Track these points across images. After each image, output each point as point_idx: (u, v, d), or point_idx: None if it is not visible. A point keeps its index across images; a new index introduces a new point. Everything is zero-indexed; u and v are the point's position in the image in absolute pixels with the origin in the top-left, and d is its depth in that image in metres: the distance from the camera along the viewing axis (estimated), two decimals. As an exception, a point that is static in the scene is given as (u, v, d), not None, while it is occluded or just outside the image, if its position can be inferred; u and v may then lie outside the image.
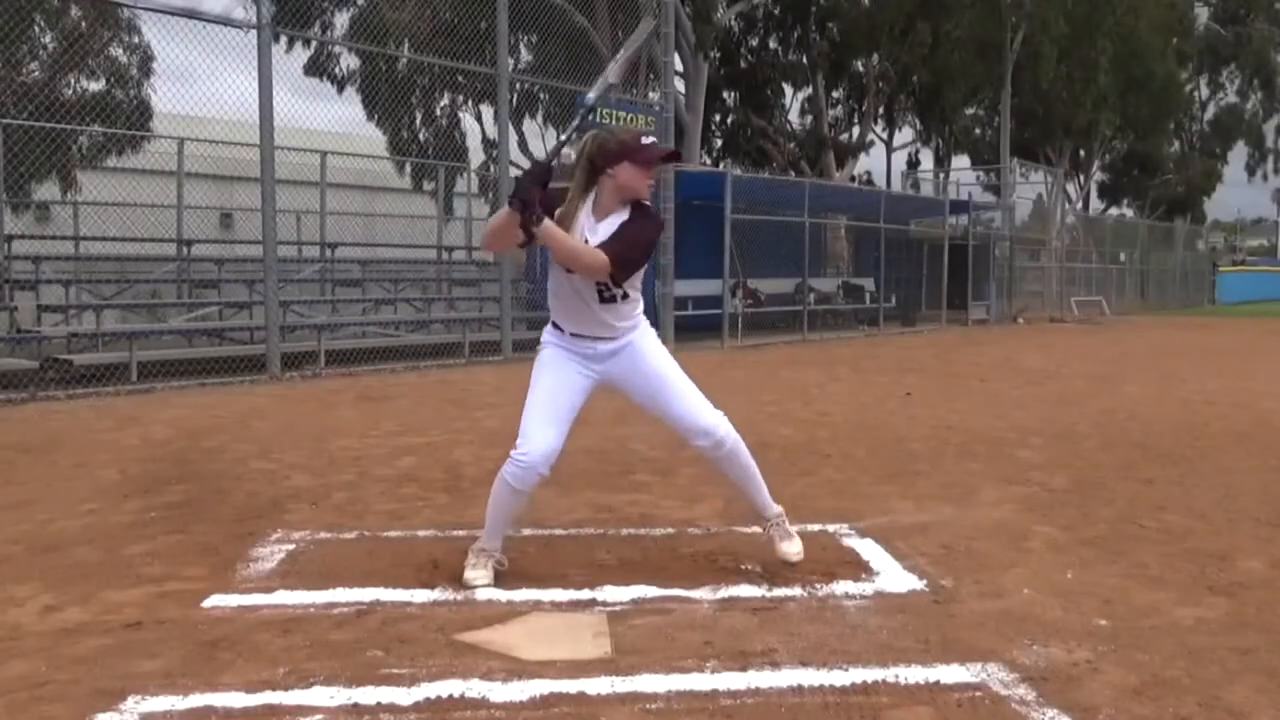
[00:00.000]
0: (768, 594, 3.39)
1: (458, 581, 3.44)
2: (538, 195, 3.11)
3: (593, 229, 3.30)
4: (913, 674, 2.74)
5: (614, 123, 13.65)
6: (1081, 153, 34.24)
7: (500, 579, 3.45)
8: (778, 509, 3.66)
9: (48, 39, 15.31)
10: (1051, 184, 29.62)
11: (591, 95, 3.46)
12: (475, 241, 16.70)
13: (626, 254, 3.23)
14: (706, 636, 3.00)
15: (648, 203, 3.40)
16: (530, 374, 3.46)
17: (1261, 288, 42.45)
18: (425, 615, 3.17)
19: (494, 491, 3.47)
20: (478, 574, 3.44)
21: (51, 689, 2.61)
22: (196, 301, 11.84)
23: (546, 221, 3.15)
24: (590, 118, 3.39)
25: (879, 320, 19.08)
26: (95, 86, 15.80)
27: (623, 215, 3.31)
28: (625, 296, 3.39)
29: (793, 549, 3.60)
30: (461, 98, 21.16)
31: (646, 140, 3.36)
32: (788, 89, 28.39)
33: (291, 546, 3.92)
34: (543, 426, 3.36)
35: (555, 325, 3.47)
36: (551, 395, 3.39)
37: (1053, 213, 29.27)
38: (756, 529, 3.74)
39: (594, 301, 3.35)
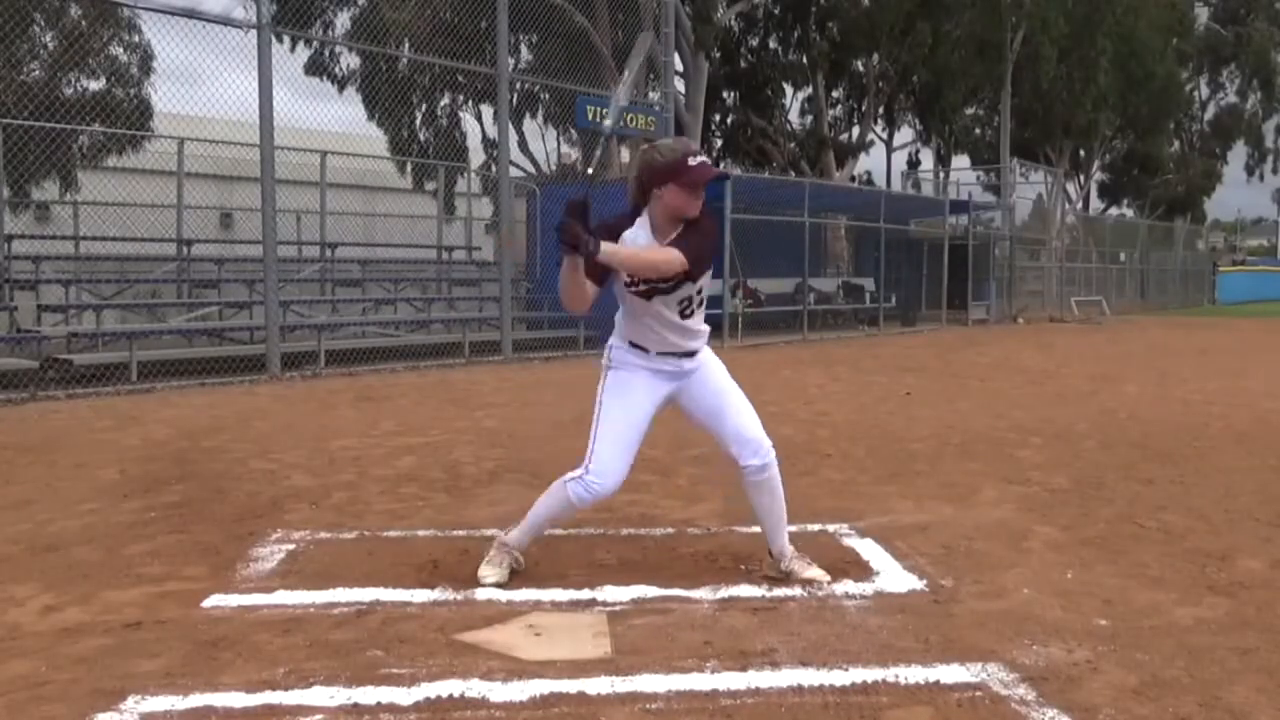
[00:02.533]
0: (768, 594, 3.38)
1: (458, 581, 3.44)
2: (579, 229, 2.97)
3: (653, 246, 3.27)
4: (913, 674, 2.74)
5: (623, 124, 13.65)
6: (1081, 153, 34.25)
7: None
8: (791, 549, 3.58)
9: (48, 38, 15.31)
10: (1051, 184, 29.62)
11: (608, 123, 3.41)
12: (475, 241, 16.71)
13: (698, 248, 3.21)
14: (706, 636, 3.00)
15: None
16: (598, 391, 3.40)
17: (1261, 288, 42.45)
18: (425, 615, 3.17)
19: (549, 502, 3.44)
20: (490, 571, 3.44)
21: (51, 689, 2.61)
22: (196, 301, 11.84)
23: (604, 246, 3.04)
24: (607, 139, 3.36)
25: (879, 320, 19.08)
26: (95, 86, 15.79)
27: (678, 229, 3.27)
28: (701, 304, 3.38)
29: (816, 573, 3.52)
30: (461, 97, 21.16)
31: (694, 160, 3.20)
32: (788, 89, 28.39)
33: (291, 546, 3.92)
34: (619, 453, 3.33)
35: (635, 345, 3.38)
36: (629, 421, 3.36)
37: (1053, 213, 29.28)
38: (758, 529, 3.70)
39: (676, 318, 3.33)
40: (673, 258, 3.14)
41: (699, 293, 3.37)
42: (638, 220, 3.30)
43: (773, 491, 3.52)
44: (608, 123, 3.42)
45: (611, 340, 3.46)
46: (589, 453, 3.34)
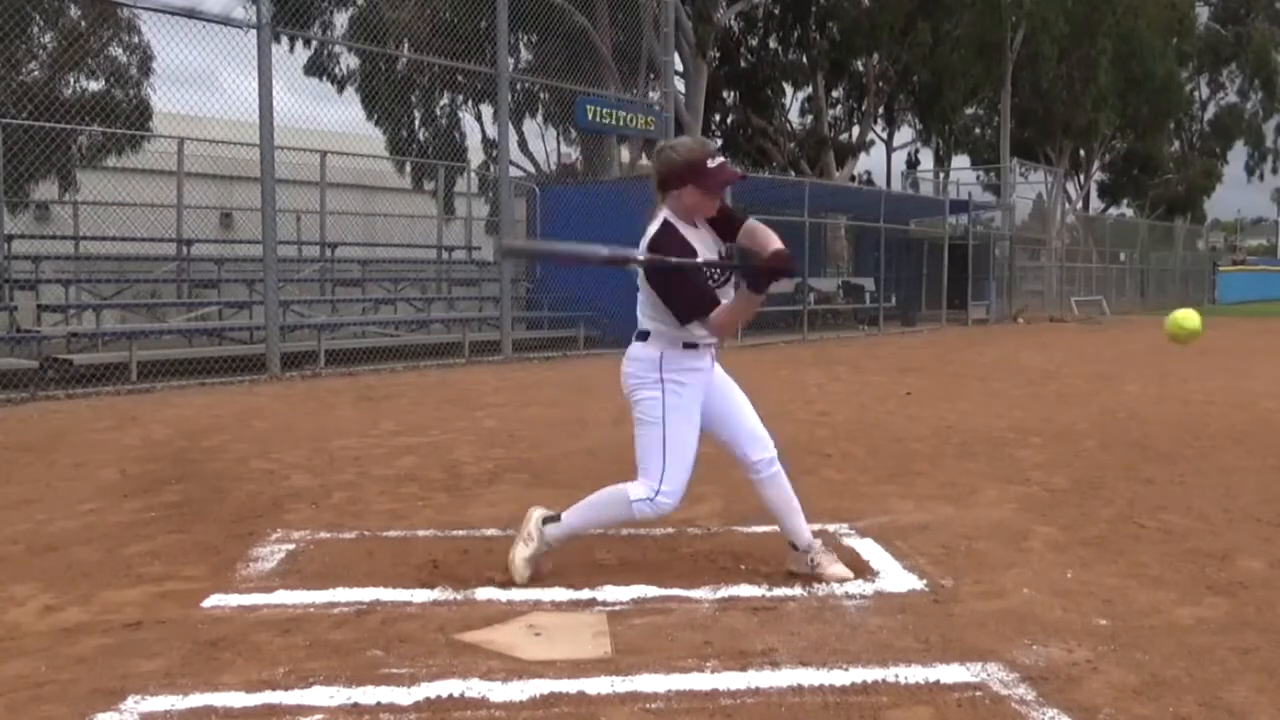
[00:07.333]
0: (768, 594, 3.38)
1: (458, 581, 3.44)
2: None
3: (696, 237, 3.31)
4: (913, 674, 2.73)
5: (615, 122, 13.66)
6: (1081, 152, 34.27)
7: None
8: (808, 538, 3.55)
9: (47, 39, 15.31)
10: (1051, 184, 29.64)
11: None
12: (475, 241, 16.72)
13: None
14: (706, 636, 3.00)
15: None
16: (657, 406, 3.30)
17: (1261, 288, 42.44)
18: (425, 615, 3.17)
19: (605, 514, 3.43)
20: (524, 567, 3.43)
21: (51, 689, 2.61)
22: (196, 301, 11.85)
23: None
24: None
25: (879, 320, 19.09)
26: (95, 86, 15.79)
27: (703, 228, 3.35)
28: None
29: (840, 571, 3.51)
30: (461, 97, 21.17)
31: (714, 163, 3.21)
32: (788, 89, 28.40)
33: (291, 546, 3.92)
34: (685, 470, 3.34)
35: (688, 345, 3.30)
36: (694, 438, 3.35)
37: (1053, 212, 29.30)
38: (757, 528, 3.71)
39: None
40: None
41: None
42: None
43: (778, 486, 3.53)
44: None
45: (650, 347, 3.32)
46: (660, 472, 3.30)
